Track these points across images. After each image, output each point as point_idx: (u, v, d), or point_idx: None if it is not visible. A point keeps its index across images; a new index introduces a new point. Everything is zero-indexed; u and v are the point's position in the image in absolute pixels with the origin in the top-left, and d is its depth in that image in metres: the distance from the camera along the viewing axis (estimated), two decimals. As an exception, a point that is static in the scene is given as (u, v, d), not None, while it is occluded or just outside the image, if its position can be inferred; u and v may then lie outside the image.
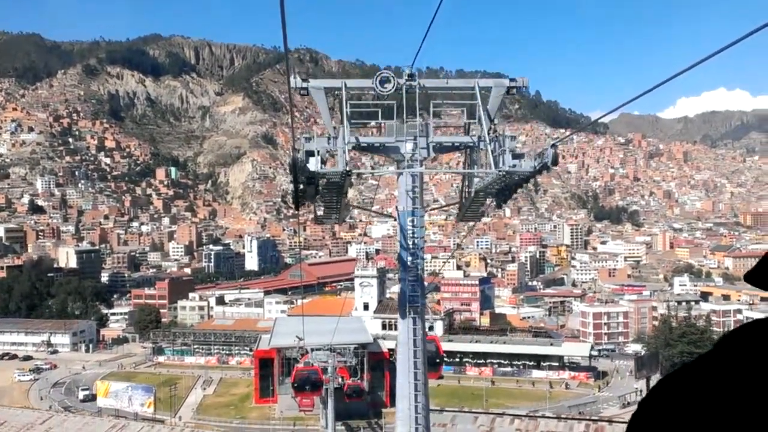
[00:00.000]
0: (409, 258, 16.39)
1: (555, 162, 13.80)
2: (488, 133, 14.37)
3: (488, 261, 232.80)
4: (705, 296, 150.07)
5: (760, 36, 5.29)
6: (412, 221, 16.32)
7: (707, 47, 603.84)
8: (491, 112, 15.54)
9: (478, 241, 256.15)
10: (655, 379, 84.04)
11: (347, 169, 14.76)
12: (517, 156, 14.72)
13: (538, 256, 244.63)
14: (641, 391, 75.96)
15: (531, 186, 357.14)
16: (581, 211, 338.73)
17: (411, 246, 16.29)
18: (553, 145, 13.81)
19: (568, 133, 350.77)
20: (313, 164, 14.38)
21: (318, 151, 14.57)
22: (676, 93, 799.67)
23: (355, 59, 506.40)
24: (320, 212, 19.38)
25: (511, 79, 16.06)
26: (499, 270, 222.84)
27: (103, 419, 53.81)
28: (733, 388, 1.08)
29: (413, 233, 16.29)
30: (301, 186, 15.48)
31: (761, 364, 1.12)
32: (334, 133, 15.35)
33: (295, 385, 59.40)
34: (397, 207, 17.05)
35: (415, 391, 16.32)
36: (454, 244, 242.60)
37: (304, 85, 15.67)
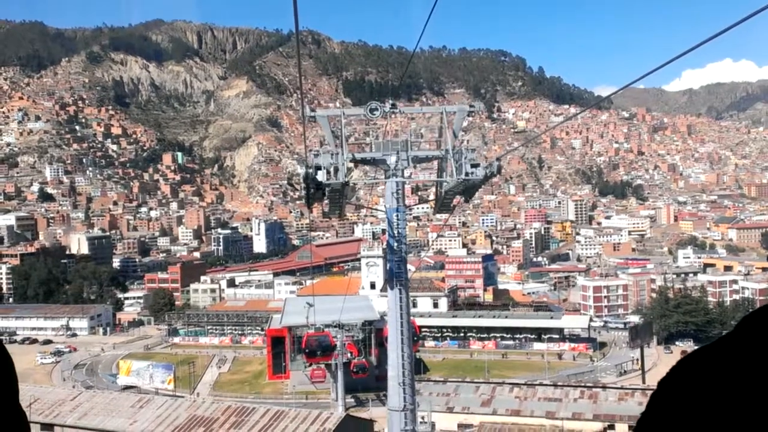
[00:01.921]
0: (395, 243, 21.69)
1: (498, 172, 18.67)
2: (452, 149, 18.75)
3: (494, 238, 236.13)
4: (707, 268, 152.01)
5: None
6: (397, 216, 21.60)
7: (712, 19, 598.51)
8: (456, 131, 20.05)
9: (483, 219, 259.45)
10: (650, 347, 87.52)
11: (346, 180, 19.86)
12: (474, 165, 19.44)
13: (543, 233, 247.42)
14: (636, 360, 79.32)
15: (535, 163, 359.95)
16: (585, 187, 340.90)
17: (396, 234, 21.61)
18: (498, 159, 18.37)
19: (573, 111, 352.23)
20: (321, 176, 19.33)
21: (323, 166, 19.40)
22: (681, 65, 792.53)
23: (357, 40, 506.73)
24: (326, 208, 26.05)
25: (471, 105, 21.48)
26: (505, 247, 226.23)
27: (128, 395, 57.74)
28: (752, 370, 1.10)
29: (397, 225, 21.63)
30: (312, 191, 20.50)
31: None
32: (336, 150, 20.26)
33: (307, 350, 63.25)
34: (385, 205, 22.53)
35: (402, 344, 21.53)
36: (459, 222, 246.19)
37: (312, 114, 21.43)
